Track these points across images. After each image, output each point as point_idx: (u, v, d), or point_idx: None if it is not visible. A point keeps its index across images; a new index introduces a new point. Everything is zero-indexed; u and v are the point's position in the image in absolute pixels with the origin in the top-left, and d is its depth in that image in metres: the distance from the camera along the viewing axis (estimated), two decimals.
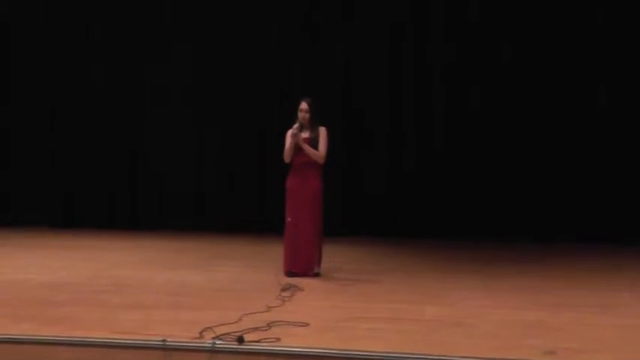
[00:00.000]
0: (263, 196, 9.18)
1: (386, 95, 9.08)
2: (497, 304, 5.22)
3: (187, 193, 9.55)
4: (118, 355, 3.87)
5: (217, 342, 3.88)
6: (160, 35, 9.50)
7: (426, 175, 9.02)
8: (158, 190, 9.58)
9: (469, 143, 8.96)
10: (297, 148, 6.18)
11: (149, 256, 7.35)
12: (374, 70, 9.08)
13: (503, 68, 8.85)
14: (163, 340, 3.88)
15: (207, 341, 3.91)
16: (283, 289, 5.50)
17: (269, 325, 4.30)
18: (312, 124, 6.23)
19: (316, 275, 6.15)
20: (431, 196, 8.97)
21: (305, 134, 6.21)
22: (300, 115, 6.21)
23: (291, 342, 3.96)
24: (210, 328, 4.14)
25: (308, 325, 4.40)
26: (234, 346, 3.87)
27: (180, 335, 4.00)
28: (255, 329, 4.18)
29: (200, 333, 4.08)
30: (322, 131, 6.24)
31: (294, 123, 6.19)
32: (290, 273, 6.12)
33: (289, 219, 6.20)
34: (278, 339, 4.01)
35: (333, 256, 6.75)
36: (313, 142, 6.20)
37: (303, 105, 6.22)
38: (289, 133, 6.19)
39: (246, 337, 3.96)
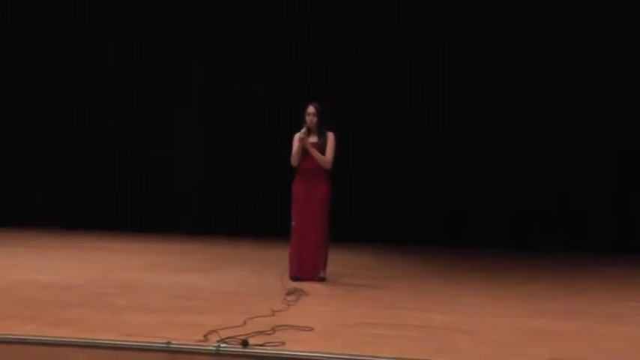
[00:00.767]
0: (271, 200, 9.20)
1: (393, 96, 9.12)
2: (503, 312, 5.20)
3: (195, 196, 9.59)
4: (123, 356, 3.87)
5: (222, 345, 3.87)
6: (170, 40, 9.56)
7: (433, 182, 9.01)
8: (166, 193, 9.62)
9: (478, 151, 8.96)
10: (304, 152, 6.16)
11: (156, 259, 7.37)
12: (383, 71, 9.12)
13: (512, 76, 8.86)
14: (168, 343, 3.88)
15: (211, 344, 3.90)
16: (288, 294, 5.49)
17: (274, 329, 4.29)
18: (320, 129, 6.19)
19: (322, 280, 6.13)
20: (438, 204, 8.97)
21: (313, 139, 6.18)
22: (308, 118, 6.17)
23: (296, 346, 3.94)
24: (214, 331, 4.14)
25: (313, 329, 4.38)
26: (239, 349, 3.86)
27: (185, 338, 4.00)
28: (260, 333, 4.17)
29: (205, 336, 4.07)
30: (330, 136, 6.20)
31: (302, 127, 6.17)
32: (295, 277, 6.11)
33: (294, 222, 6.19)
34: (282, 343, 4.00)
35: (338, 261, 6.74)
36: (321, 148, 6.16)
37: (311, 108, 6.18)
38: (297, 136, 6.15)
39: (251, 341, 3.95)
